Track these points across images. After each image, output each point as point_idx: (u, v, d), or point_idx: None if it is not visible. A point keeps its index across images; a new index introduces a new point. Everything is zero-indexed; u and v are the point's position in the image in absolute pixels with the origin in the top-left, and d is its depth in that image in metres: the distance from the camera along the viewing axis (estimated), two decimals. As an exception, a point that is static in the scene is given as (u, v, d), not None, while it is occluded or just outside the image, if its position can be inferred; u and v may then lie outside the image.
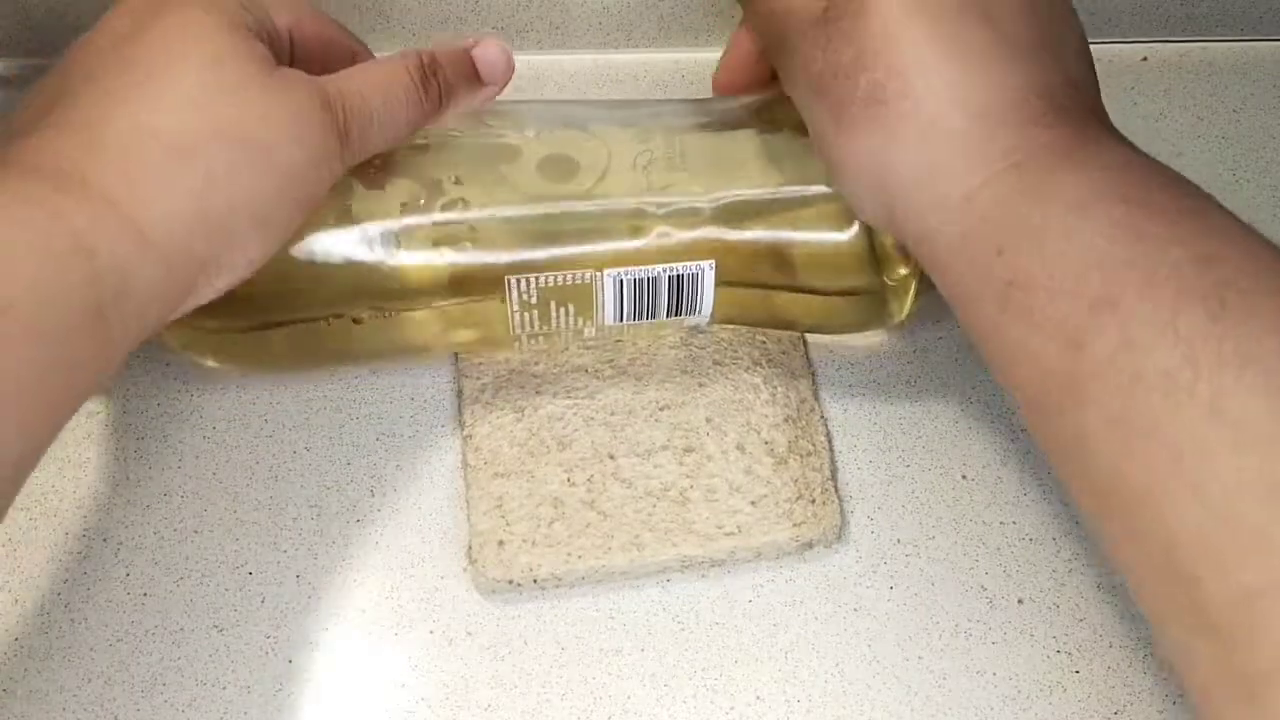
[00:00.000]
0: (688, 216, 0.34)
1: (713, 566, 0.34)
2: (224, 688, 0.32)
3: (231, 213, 0.27)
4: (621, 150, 0.34)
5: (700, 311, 0.35)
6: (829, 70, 0.29)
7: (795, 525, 0.34)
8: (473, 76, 0.33)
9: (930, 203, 0.28)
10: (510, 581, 0.33)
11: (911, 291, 0.35)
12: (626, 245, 0.34)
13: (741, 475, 0.35)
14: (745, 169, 0.35)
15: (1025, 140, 0.27)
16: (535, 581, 0.33)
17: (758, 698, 0.32)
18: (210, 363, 0.35)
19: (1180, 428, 0.23)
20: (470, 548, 0.34)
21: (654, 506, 0.34)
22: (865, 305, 0.36)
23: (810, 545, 0.35)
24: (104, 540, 0.34)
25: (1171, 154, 0.46)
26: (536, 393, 0.36)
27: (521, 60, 0.45)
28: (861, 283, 0.35)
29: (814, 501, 0.35)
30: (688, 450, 0.36)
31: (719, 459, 0.35)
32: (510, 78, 0.34)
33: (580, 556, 0.33)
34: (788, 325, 0.38)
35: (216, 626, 0.33)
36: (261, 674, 0.32)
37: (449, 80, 0.32)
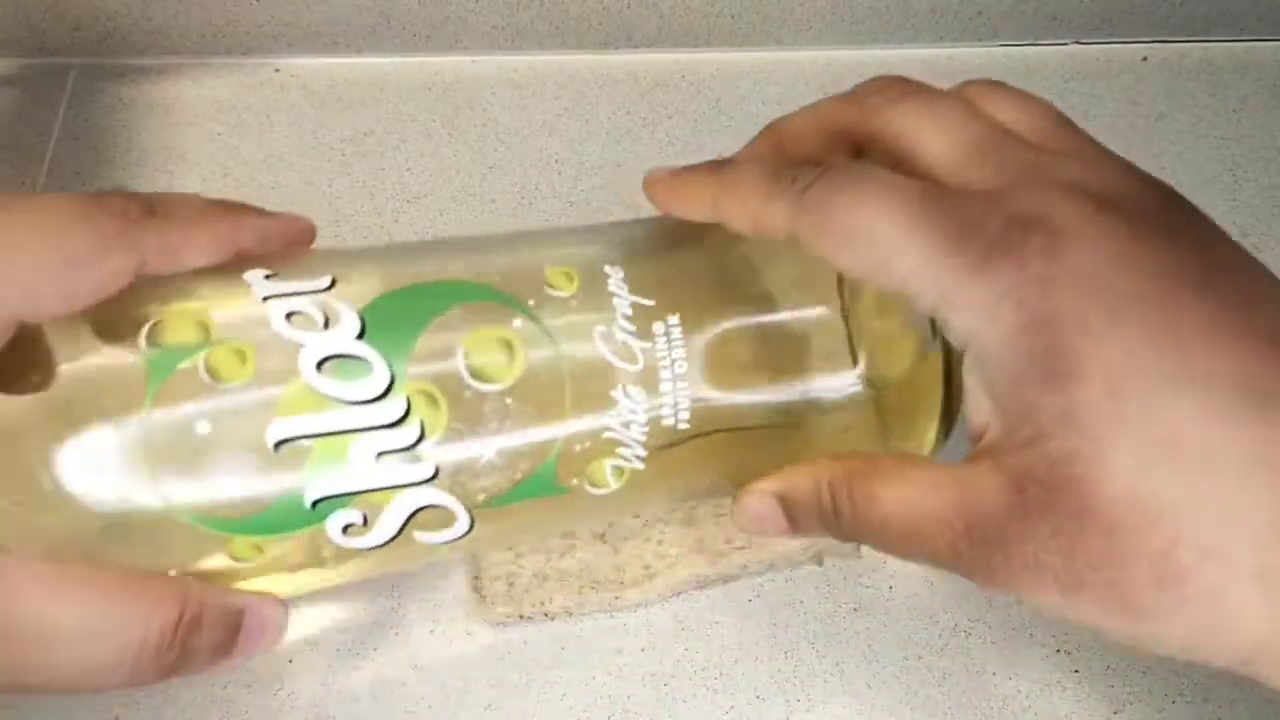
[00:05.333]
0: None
1: (726, 583, 0.34)
2: (224, 686, 0.32)
3: None
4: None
5: None
6: (1069, 565, 0.21)
7: None
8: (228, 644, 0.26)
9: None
10: (521, 616, 0.33)
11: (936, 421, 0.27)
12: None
13: None
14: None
15: None
16: (546, 615, 0.33)
17: (758, 697, 0.32)
18: None
19: None
20: (478, 582, 0.33)
21: (663, 531, 0.34)
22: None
23: (821, 559, 0.34)
24: (104, 540, 0.34)
25: (1172, 154, 0.46)
26: None
27: (522, 60, 0.46)
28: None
29: None
30: None
31: None
32: (275, 644, 0.27)
33: (593, 588, 0.33)
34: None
35: (216, 626, 0.33)
36: (261, 673, 0.32)
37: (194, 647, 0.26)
